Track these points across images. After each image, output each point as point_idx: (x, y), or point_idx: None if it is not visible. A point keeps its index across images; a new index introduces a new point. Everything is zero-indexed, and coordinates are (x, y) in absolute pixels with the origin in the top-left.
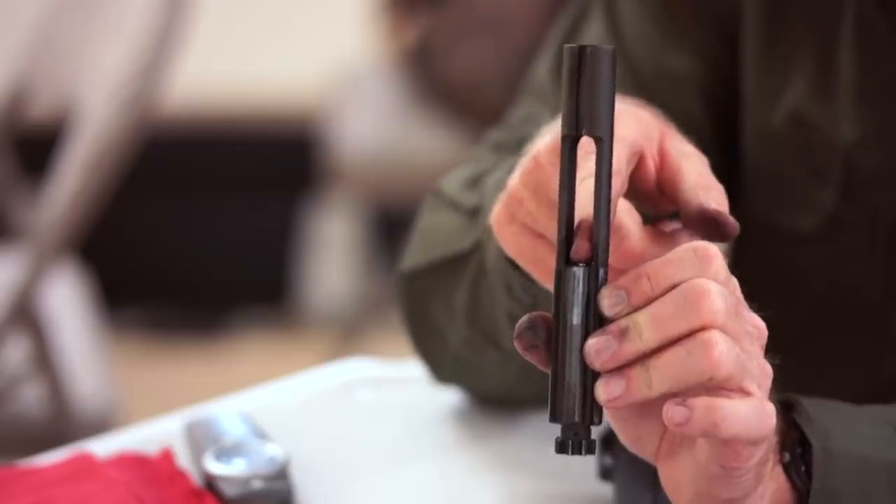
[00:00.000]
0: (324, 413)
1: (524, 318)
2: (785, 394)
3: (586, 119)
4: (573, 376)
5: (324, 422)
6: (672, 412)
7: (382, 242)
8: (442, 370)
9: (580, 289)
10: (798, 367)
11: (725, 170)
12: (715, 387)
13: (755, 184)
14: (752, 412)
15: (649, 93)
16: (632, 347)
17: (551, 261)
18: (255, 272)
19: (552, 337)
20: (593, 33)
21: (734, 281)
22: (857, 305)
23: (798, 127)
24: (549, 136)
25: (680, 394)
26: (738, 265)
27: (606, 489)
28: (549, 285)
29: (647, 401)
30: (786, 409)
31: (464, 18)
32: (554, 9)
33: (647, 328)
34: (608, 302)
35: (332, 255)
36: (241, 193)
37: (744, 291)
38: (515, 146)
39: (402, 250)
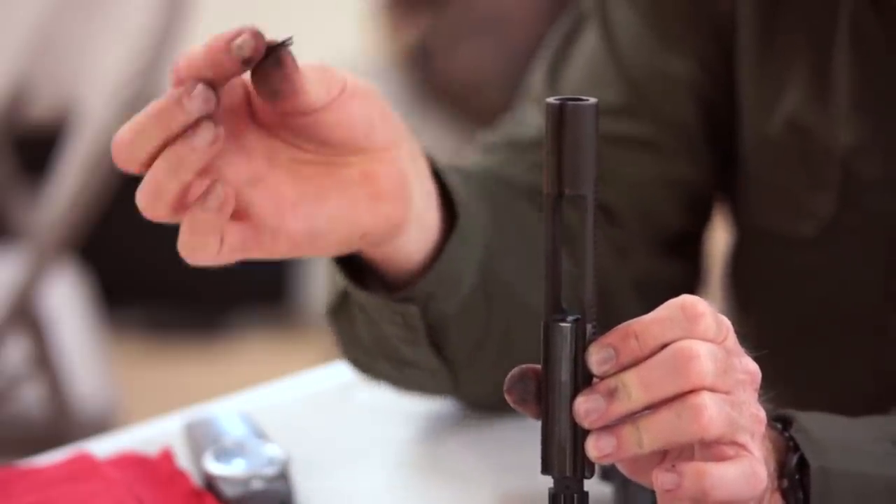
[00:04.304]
0: (324, 413)
1: (515, 370)
2: (783, 410)
3: (569, 177)
4: (563, 432)
5: (324, 422)
6: (662, 478)
7: None
8: (394, 389)
9: (568, 345)
10: (798, 371)
11: (720, 175)
12: (706, 444)
13: (754, 190)
14: (742, 476)
15: (643, 97)
16: (620, 407)
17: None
18: (254, 272)
19: (541, 391)
20: (588, 40)
21: (726, 324)
22: (856, 310)
23: (795, 133)
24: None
25: (672, 451)
26: (738, 270)
27: (606, 489)
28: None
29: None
30: (783, 425)
31: (464, 18)
32: (554, 9)
33: (635, 389)
34: (596, 359)
35: None
36: None
37: (740, 296)
38: (504, 148)
39: None
